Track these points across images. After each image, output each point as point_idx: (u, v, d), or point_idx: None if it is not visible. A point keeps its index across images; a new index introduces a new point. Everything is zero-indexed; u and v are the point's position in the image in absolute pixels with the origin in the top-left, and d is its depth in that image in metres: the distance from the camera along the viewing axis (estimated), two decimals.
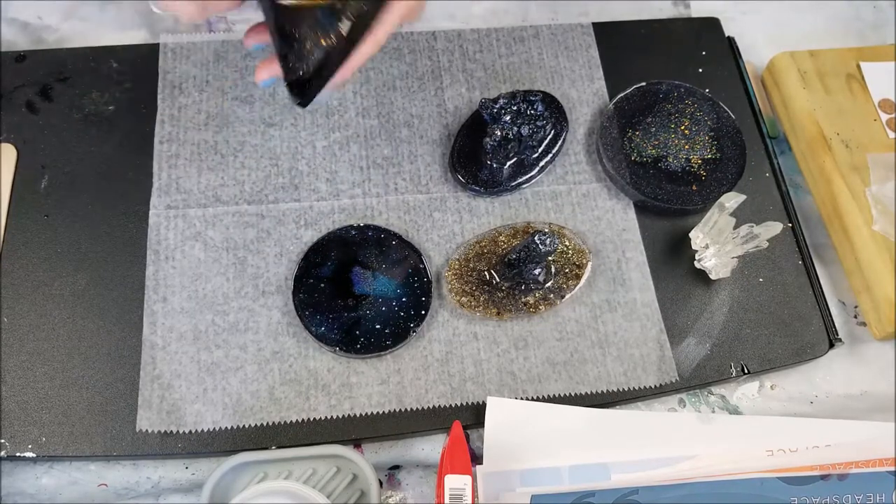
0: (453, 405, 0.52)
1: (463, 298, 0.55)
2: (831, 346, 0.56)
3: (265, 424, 0.51)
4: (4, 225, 0.56)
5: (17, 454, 0.49)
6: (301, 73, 0.50)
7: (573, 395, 0.53)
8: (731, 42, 0.68)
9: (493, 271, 0.56)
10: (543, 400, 0.53)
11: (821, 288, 0.58)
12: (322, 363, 0.53)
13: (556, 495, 0.49)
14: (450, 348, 0.54)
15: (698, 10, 0.71)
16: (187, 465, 0.52)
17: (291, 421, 0.51)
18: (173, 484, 0.51)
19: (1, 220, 0.56)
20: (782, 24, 0.72)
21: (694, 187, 0.60)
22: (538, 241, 0.52)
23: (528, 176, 0.60)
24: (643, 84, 0.63)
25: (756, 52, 0.69)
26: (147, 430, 0.50)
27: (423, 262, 0.56)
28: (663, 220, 0.60)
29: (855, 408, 0.56)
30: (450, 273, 0.56)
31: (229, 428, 0.51)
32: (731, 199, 0.53)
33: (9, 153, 0.58)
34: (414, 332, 0.53)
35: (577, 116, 0.63)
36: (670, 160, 0.61)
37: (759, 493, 0.49)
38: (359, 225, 0.57)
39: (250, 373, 0.52)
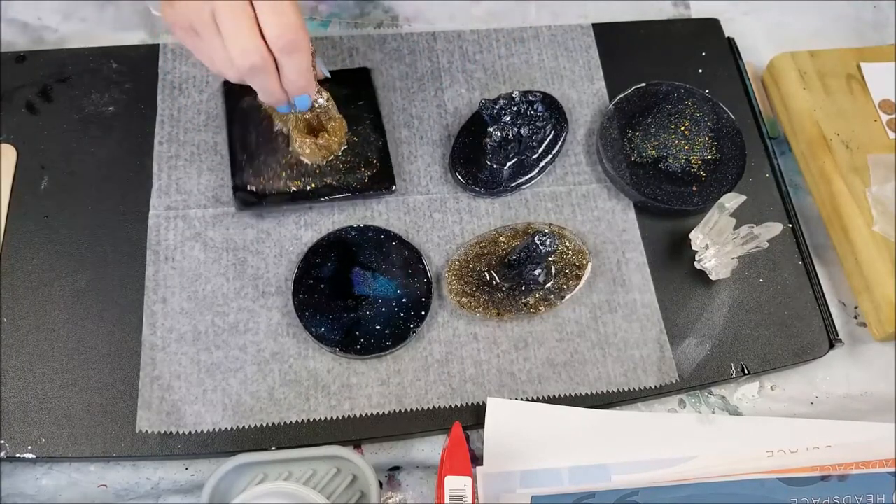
0: (453, 406, 0.52)
1: (463, 299, 0.55)
2: (831, 346, 0.56)
3: (265, 425, 0.51)
4: (4, 225, 0.56)
5: (17, 455, 0.49)
6: (252, 188, 0.54)
7: (573, 395, 0.53)
8: (731, 42, 0.68)
9: (493, 272, 0.56)
10: (543, 401, 0.53)
11: (821, 288, 0.58)
12: (322, 364, 0.53)
13: (557, 496, 0.49)
14: (450, 349, 0.54)
15: (698, 10, 0.71)
16: (187, 466, 0.52)
17: (291, 422, 0.51)
18: (173, 485, 0.51)
19: (1, 220, 0.56)
20: (782, 25, 0.72)
21: (694, 188, 0.60)
22: (538, 242, 0.52)
23: (528, 176, 0.60)
24: (643, 85, 0.63)
25: (756, 52, 0.69)
26: (147, 431, 0.50)
27: (423, 263, 0.56)
28: (663, 220, 0.60)
29: (855, 408, 0.56)
30: (450, 273, 0.56)
31: (229, 429, 0.51)
32: (732, 200, 0.53)
33: (9, 153, 0.58)
34: (414, 332, 0.53)
35: (577, 117, 0.63)
36: (670, 161, 0.61)
37: (760, 493, 0.49)
38: (358, 226, 0.57)
39: (250, 374, 0.52)
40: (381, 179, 0.58)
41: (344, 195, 0.57)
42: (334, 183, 0.57)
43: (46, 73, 0.61)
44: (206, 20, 0.44)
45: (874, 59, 0.66)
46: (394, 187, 0.58)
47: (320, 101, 0.54)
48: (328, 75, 0.52)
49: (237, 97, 0.60)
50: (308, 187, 0.57)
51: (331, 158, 0.58)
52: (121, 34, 0.65)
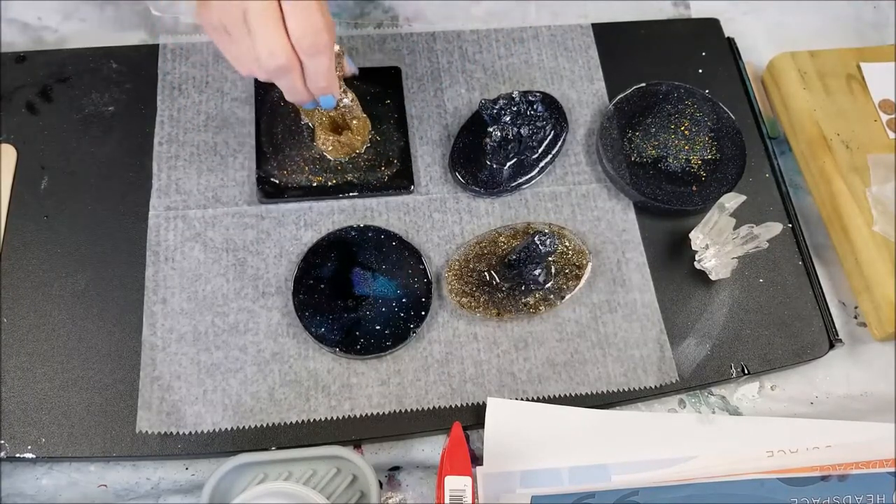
0: (453, 406, 0.52)
1: (463, 299, 0.55)
2: (831, 346, 0.56)
3: (265, 425, 0.51)
4: (4, 225, 0.56)
5: (17, 455, 0.49)
6: (276, 180, 0.54)
7: (573, 395, 0.53)
8: (731, 42, 0.68)
9: (493, 272, 0.56)
10: (543, 401, 0.53)
11: (821, 288, 0.58)
12: (322, 364, 0.53)
13: (557, 496, 0.49)
14: (450, 349, 0.54)
15: (698, 10, 0.71)
16: (187, 466, 0.52)
17: (291, 422, 0.51)
18: (173, 485, 0.51)
19: (1, 220, 0.56)
20: (782, 25, 0.72)
21: (694, 188, 0.60)
22: (538, 242, 0.52)
23: (527, 176, 0.60)
24: (643, 85, 0.63)
25: (756, 52, 0.69)
26: (147, 431, 0.50)
27: (422, 263, 0.56)
28: (663, 220, 0.60)
29: (855, 408, 0.56)
30: (450, 274, 0.56)
31: (229, 429, 0.51)
32: (731, 200, 0.53)
33: (9, 154, 0.58)
34: (414, 332, 0.53)
35: (577, 117, 0.63)
36: (670, 161, 0.61)
37: (760, 493, 0.49)
38: (358, 226, 0.57)
39: (250, 374, 0.52)
40: (401, 179, 0.59)
41: (363, 193, 0.58)
42: (354, 180, 0.58)
43: (46, 73, 0.61)
44: (238, 20, 0.45)
45: (874, 59, 0.66)
46: (412, 187, 0.58)
47: (345, 100, 0.55)
48: (356, 72, 0.53)
49: (267, 88, 0.60)
50: (329, 183, 0.58)
51: (353, 156, 0.59)
52: (121, 34, 0.65)
